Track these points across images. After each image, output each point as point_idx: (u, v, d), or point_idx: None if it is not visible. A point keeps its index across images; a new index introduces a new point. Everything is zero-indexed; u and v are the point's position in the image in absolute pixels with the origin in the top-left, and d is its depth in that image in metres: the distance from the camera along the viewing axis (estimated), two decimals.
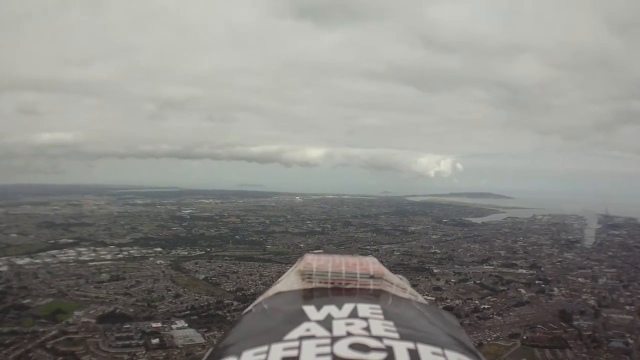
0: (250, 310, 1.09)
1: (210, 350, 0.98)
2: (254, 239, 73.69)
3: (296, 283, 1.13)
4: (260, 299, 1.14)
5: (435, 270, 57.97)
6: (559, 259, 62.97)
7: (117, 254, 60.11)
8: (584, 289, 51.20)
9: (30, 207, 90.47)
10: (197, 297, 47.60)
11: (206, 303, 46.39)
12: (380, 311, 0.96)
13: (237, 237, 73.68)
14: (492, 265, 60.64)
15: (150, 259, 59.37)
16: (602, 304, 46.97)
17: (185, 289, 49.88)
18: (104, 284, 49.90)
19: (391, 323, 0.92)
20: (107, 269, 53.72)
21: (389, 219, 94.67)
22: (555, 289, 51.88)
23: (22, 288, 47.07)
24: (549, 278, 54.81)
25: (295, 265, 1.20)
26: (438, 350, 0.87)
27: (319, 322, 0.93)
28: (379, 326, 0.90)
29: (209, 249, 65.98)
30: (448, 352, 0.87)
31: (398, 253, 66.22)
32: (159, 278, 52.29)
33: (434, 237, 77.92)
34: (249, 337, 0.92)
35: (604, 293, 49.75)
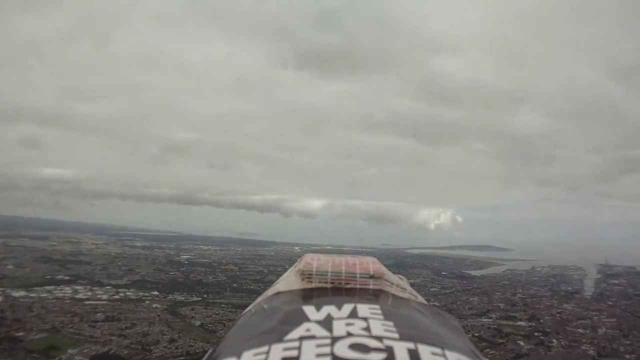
0: (250, 310, 1.09)
1: (210, 350, 1.00)
2: (251, 287, 72.74)
3: (296, 283, 1.12)
4: (260, 299, 1.14)
5: None
6: (559, 310, 61.93)
7: (114, 295, 59.05)
8: (584, 340, 50.21)
9: (29, 240, 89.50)
10: (192, 344, 46.54)
11: (201, 349, 45.24)
12: (380, 311, 0.97)
13: (234, 285, 72.66)
14: (490, 317, 59.55)
15: (147, 302, 58.25)
16: (602, 353, 46.03)
17: (181, 335, 48.86)
18: (99, 323, 48.84)
19: (391, 323, 0.92)
20: (103, 309, 52.68)
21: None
22: (555, 340, 50.82)
23: (16, 320, 46.14)
24: (548, 329, 53.74)
25: (295, 265, 1.19)
26: (438, 350, 0.88)
27: (319, 322, 0.93)
28: (379, 326, 0.91)
29: (206, 296, 64.95)
30: (448, 353, 0.88)
31: None
32: (154, 322, 51.25)
33: (433, 290, 76.86)
34: (249, 337, 0.93)
35: (604, 343, 48.76)
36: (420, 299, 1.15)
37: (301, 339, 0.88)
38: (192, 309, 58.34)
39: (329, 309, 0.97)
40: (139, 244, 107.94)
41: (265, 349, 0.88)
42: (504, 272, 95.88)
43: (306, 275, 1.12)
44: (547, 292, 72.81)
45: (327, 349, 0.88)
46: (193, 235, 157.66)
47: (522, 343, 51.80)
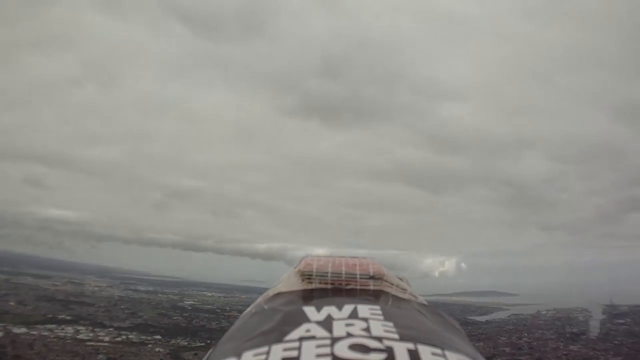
0: (251, 310, 1.06)
1: (210, 350, 0.97)
2: None
3: (296, 284, 1.09)
4: (260, 299, 1.11)
5: None
6: (565, 352, 60.80)
7: (116, 337, 58.20)
8: None
9: (32, 278, 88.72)
10: None
11: None
12: (380, 312, 0.94)
13: None
14: None
15: (149, 345, 57.36)
16: None
17: None
18: None
19: (391, 324, 0.90)
20: (104, 351, 51.89)
21: None
22: None
23: (17, 357, 45.39)
24: None
25: (295, 266, 1.16)
26: (438, 351, 0.86)
27: (319, 322, 0.90)
28: (379, 327, 0.89)
29: (209, 341, 63.80)
30: (448, 353, 0.86)
31: None
32: None
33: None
34: (249, 337, 0.90)
35: None
36: (421, 299, 1.12)
37: (301, 339, 0.86)
38: (195, 354, 57.31)
39: (329, 310, 0.94)
40: (142, 288, 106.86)
41: (265, 349, 0.85)
42: (508, 317, 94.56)
43: (306, 276, 1.09)
44: (553, 335, 71.66)
45: (327, 350, 0.84)
46: (197, 281, 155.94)
47: None
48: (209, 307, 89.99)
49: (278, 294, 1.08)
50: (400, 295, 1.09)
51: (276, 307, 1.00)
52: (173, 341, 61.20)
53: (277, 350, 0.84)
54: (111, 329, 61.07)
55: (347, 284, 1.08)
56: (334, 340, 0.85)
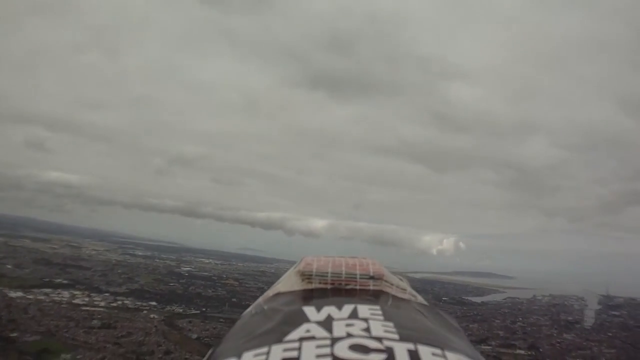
0: (251, 310, 1.09)
1: (210, 350, 0.98)
2: (250, 303, 71.24)
3: (296, 284, 1.12)
4: (260, 299, 1.14)
5: None
6: (558, 340, 61.08)
7: (111, 302, 58.40)
8: None
9: (30, 241, 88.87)
10: (187, 357, 45.79)
11: None
12: (380, 312, 0.96)
13: (234, 299, 71.80)
14: (490, 345, 58.63)
15: (144, 311, 57.52)
16: None
17: (177, 347, 48.15)
18: (95, 330, 48.21)
19: (391, 324, 0.93)
20: (99, 316, 52.04)
21: None
22: None
23: (11, 321, 45.58)
24: (548, 359, 53.18)
25: (295, 266, 1.19)
26: (438, 351, 0.89)
27: (319, 323, 0.93)
28: (379, 327, 0.92)
29: (204, 309, 64.16)
30: (448, 353, 0.89)
31: None
32: (150, 332, 50.58)
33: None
34: (249, 338, 0.93)
35: None
36: (420, 299, 1.15)
37: (301, 339, 0.89)
38: (190, 322, 57.56)
39: (329, 310, 0.96)
40: (140, 253, 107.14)
41: (265, 349, 0.89)
42: (504, 299, 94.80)
43: (306, 276, 1.11)
44: (548, 322, 71.86)
45: (327, 350, 0.89)
46: (195, 247, 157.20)
47: None
48: (206, 274, 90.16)
49: (278, 294, 1.09)
50: (400, 295, 1.10)
51: (276, 307, 1.01)
52: (168, 308, 61.34)
53: (277, 350, 0.88)
54: (107, 294, 61.28)
55: (346, 284, 1.09)
56: (334, 340, 0.89)
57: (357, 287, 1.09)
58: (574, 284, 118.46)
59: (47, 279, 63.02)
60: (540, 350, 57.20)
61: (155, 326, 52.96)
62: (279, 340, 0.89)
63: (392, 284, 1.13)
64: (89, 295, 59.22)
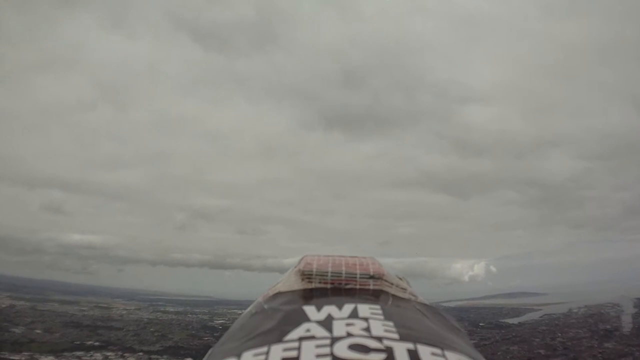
0: (251, 310, 1.08)
1: (210, 350, 0.98)
2: None
3: (296, 283, 1.10)
4: (260, 299, 1.11)
5: None
6: (600, 350, 58.78)
7: None
8: None
9: (58, 304, 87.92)
10: None
11: None
12: (380, 311, 0.96)
13: None
14: None
15: None
16: None
17: None
18: None
19: (391, 323, 0.92)
20: None
21: None
22: None
23: None
24: None
25: (295, 265, 1.17)
26: (438, 351, 0.88)
27: (319, 322, 0.92)
28: (379, 327, 0.90)
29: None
30: (448, 353, 0.89)
31: None
32: None
33: (472, 342, 73.50)
34: (248, 337, 0.92)
35: None
36: (421, 299, 1.12)
37: (301, 339, 0.88)
38: None
39: (329, 309, 0.96)
40: (171, 309, 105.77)
41: (265, 349, 0.88)
42: (541, 317, 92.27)
43: (306, 275, 1.10)
44: (586, 333, 69.54)
45: (326, 350, 0.88)
46: (226, 299, 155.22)
47: None
48: None
49: (278, 294, 1.08)
50: (400, 294, 1.09)
51: (276, 306, 1.01)
52: None
53: (277, 350, 0.86)
54: (141, 354, 59.72)
55: (347, 284, 1.08)
56: (334, 340, 0.87)
57: (357, 287, 1.08)
58: (607, 291, 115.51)
59: (78, 342, 61.69)
60: None
61: None
62: (279, 340, 0.88)
63: (392, 284, 1.11)
64: (122, 356, 57.77)
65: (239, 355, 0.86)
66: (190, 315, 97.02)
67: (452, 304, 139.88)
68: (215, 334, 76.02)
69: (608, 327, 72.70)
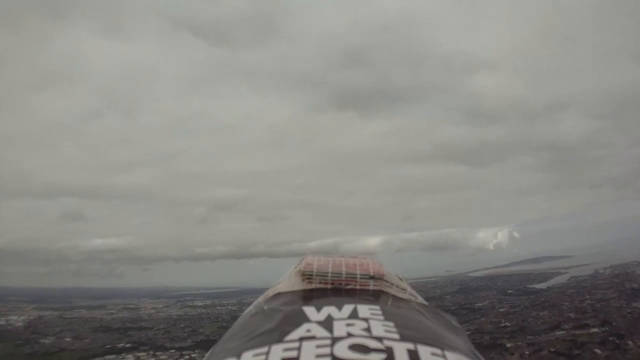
0: (251, 310, 1.10)
1: (210, 350, 1.01)
2: None
3: (296, 284, 1.11)
4: (260, 299, 1.13)
5: (508, 345, 54.56)
6: (629, 311, 59.07)
7: (178, 358, 58.09)
8: None
9: (85, 310, 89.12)
10: None
11: None
12: (380, 312, 0.98)
13: None
14: (564, 329, 57.01)
15: None
16: None
17: None
18: None
19: (391, 324, 0.94)
20: None
21: (454, 298, 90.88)
22: (630, 342, 48.26)
23: None
24: (622, 332, 51.18)
25: (295, 265, 1.17)
26: (438, 351, 0.91)
27: (319, 322, 0.95)
28: (379, 327, 0.93)
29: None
30: (448, 353, 0.91)
31: (468, 333, 61.37)
32: None
33: (502, 310, 74.14)
34: (249, 337, 0.95)
35: None
36: (420, 299, 1.11)
37: (301, 339, 0.91)
38: None
39: (329, 310, 0.97)
40: (199, 304, 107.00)
41: (265, 349, 0.90)
42: (568, 280, 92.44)
43: (307, 276, 1.11)
44: (614, 294, 69.67)
45: (326, 350, 0.90)
46: (254, 287, 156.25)
47: (598, 351, 49.26)
48: None
49: (278, 294, 1.08)
50: (400, 295, 1.08)
51: (276, 307, 1.02)
52: None
53: (277, 350, 0.90)
54: (173, 351, 60.66)
55: (347, 284, 1.08)
56: (334, 340, 0.91)
57: (357, 287, 1.08)
58: (631, 250, 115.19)
59: (109, 346, 62.61)
60: (613, 324, 55.23)
61: None
62: (279, 340, 0.91)
63: (392, 284, 1.10)
64: (154, 355, 58.69)
65: (239, 355, 0.90)
66: (219, 308, 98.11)
67: (479, 274, 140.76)
68: None
69: (635, 285, 72.78)
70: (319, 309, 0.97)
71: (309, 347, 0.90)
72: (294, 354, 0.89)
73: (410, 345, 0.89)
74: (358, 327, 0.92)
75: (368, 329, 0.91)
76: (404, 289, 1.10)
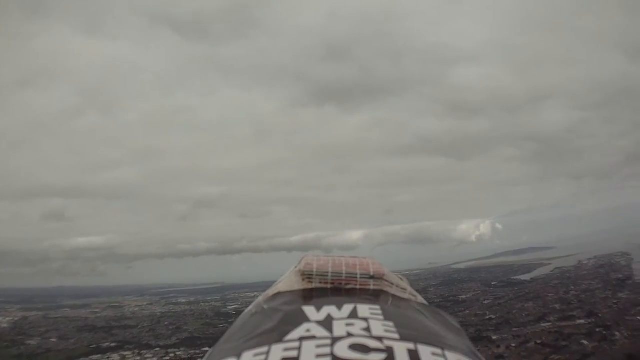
0: (251, 310, 1.09)
1: (210, 350, 1.01)
2: None
3: (296, 283, 1.12)
4: (260, 299, 1.14)
5: (493, 337, 54.72)
6: (614, 301, 59.38)
7: (163, 357, 57.42)
8: None
9: (70, 310, 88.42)
10: None
11: None
12: (380, 312, 0.97)
13: None
14: (549, 321, 57.29)
15: None
16: None
17: None
18: None
19: (391, 324, 0.94)
20: None
21: (438, 290, 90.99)
22: (617, 333, 48.53)
23: None
24: (608, 323, 51.46)
25: (295, 265, 1.19)
26: (438, 351, 0.90)
27: (319, 322, 0.95)
28: (379, 327, 0.93)
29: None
30: (448, 353, 0.90)
31: None
32: None
33: (487, 302, 74.29)
34: (249, 337, 0.95)
35: None
36: (420, 299, 1.15)
37: (301, 339, 0.90)
38: None
39: (329, 310, 0.97)
40: (183, 300, 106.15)
41: (265, 349, 0.90)
42: (552, 271, 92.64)
43: (306, 275, 1.11)
44: (599, 284, 69.94)
45: (327, 350, 0.89)
46: (237, 283, 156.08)
47: (585, 342, 49.47)
48: None
49: (278, 294, 1.08)
50: (400, 295, 1.10)
51: (276, 307, 1.01)
52: None
53: (277, 350, 0.89)
54: (158, 349, 60.22)
55: (347, 284, 1.09)
56: (334, 340, 0.90)
57: (357, 287, 1.09)
58: (615, 240, 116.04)
59: (94, 345, 62.02)
60: (599, 315, 55.40)
61: None
62: (279, 340, 0.90)
63: (392, 284, 1.12)
64: (139, 354, 58.19)
65: (239, 355, 0.89)
66: (202, 304, 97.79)
67: (462, 266, 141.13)
68: (230, 320, 76.57)
69: (620, 276, 73.11)
70: (319, 309, 0.96)
71: (309, 347, 0.89)
72: (294, 353, 0.89)
73: (411, 345, 0.90)
74: (358, 326, 0.92)
75: (368, 329, 0.91)
76: (404, 289, 1.13)
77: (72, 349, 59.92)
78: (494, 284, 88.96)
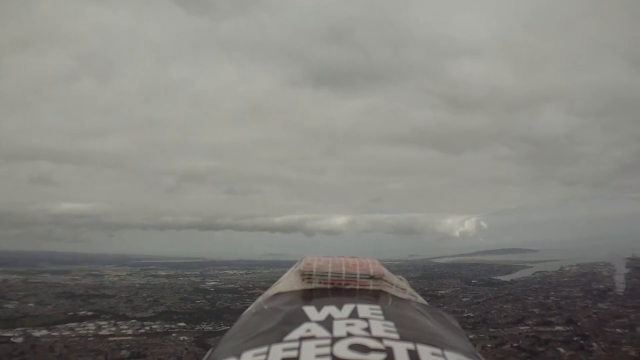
0: (251, 310, 1.11)
1: (210, 350, 1.01)
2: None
3: (296, 283, 1.13)
4: (260, 299, 1.16)
5: (470, 336, 53.76)
6: (594, 311, 59.59)
7: (139, 329, 57.23)
8: (624, 340, 47.85)
9: (50, 275, 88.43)
10: None
11: None
12: (380, 312, 0.98)
13: None
14: (527, 324, 57.40)
15: (174, 334, 56.22)
16: None
17: None
18: None
19: (391, 324, 0.93)
20: (128, 345, 50.95)
21: (417, 283, 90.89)
22: (594, 343, 48.61)
23: None
24: (587, 333, 51.51)
25: (295, 265, 1.20)
26: (438, 351, 0.90)
27: (319, 322, 0.94)
28: (379, 327, 0.92)
29: (234, 324, 63.05)
30: (448, 353, 0.90)
31: None
32: (181, 356, 49.50)
33: (465, 300, 74.37)
34: (249, 337, 0.94)
35: None
36: (420, 299, 1.15)
37: (301, 339, 0.89)
38: (221, 339, 56.03)
39: (329, 310, 0.98)
40: (163, 273, 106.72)
41: (265, 349, 0.89)
42: (533, 274, 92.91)
43: (306, 275, 1.12)
44: (580, 292, 70.12)
45: (326, 350, 0.89)
46: (217, 260, 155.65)
47: (562, 350, 49.63)
48: (232, 286, 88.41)
49: (278, 294, 1.10)
50: (400, 295, 1.11)
51: (276, 307, 1.03)
52: (198, 327, 59.84)
53: (277, 350, 0.88)
54: (134, 321, 60.02)
55: (347, 284, 1.10)
56: (334, 340, 0.89)
57: (357, 287, 1.10)
58: (599, 250, 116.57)
59: (71, 313, 61.78)
60: (579, 324, 55.56)
61: (186, 348, 51.64)
62: (279, 340, 0.89)
63: (392, 284, 1.13)
64: (115, 325, 58.00)
65: (239, 355, 0.87)
66: (181, 279, 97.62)
67: (443, 260, 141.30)
68: (207, 297, 76.75)
69: (601, 286, 73.32)
70: (319, 309, 0.97)
71: (309, 347, 0.88)
72: (294, 353, 0.88)
73: (410, 345, 0.89)
74: (358, 326, 0.91)
75: (368, 329, 0.90)
76: (404, 289, 1.14)
77: (48, 315, 59.76)
78: (474, 282, 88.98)
